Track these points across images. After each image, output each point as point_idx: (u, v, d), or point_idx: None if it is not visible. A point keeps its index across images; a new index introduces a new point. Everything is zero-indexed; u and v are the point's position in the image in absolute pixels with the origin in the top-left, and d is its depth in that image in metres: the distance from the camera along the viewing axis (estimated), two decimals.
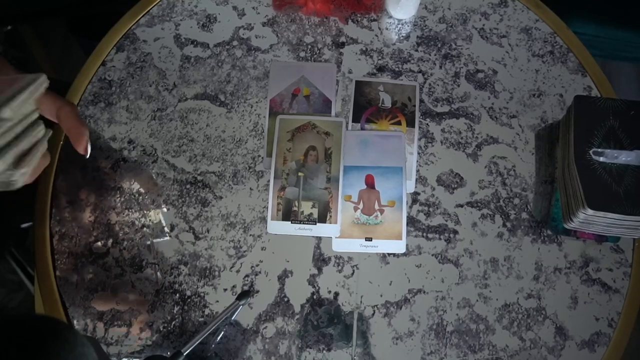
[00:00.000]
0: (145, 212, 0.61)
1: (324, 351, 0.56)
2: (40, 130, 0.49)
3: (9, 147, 0.46)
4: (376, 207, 0.61)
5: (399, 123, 0.65)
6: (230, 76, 0.68)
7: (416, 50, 0.70)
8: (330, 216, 0.60)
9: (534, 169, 0.64)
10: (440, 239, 0.61)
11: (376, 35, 0.71)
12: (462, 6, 0.73)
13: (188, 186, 0.62)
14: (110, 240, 0.60)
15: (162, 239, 0.60)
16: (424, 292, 0.58)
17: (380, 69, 0.68)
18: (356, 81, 0.67)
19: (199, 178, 0.63)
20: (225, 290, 0.58)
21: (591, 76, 0.69)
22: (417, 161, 0.64)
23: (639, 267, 0.60)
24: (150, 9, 0.71)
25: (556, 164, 0.64)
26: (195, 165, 0.63)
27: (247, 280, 0.59)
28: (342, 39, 0.70)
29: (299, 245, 0.60)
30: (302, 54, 0.69)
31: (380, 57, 0.69)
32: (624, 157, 0.56)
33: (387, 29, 0.71)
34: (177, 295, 0.58)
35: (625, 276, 0.60)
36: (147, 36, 0.70)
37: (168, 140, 0.64)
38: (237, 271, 0.59)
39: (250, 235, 0.60)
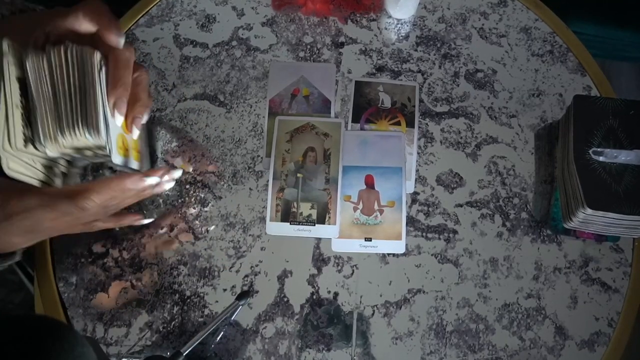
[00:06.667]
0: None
1: (324, 351, 0.56)
2: None
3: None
4: (376, 207, 0.61)
5: (398, 123, 0.65)
6: (230, 76, 0.68)
7: (415, 50, 0.70)
8: (329, 217, 0.60)
9: (533, 168, 0.64)
10: (439, 238, 0.61)
11: (375, 35, 0.71)
12: (461, 6, 0.73)
13: (187, 186, 0.62)
14: (110, 240, 0.60)
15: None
16: (424, 292, 0.58)
17: (380, 69, 0.68)
18: (356, 81, 0.67)
19: (199, 178, 0.63)
20: (224, 290, 0.58)
21: (591, 76, 0.69)
22: (417, 161, 0.64)
23: (638, 267, 0.60)
24: (150, 9, 0.71)
25: (556, 163, 0.64)
26: (195, 166, 0.63)
27: (247, 281, 0.59)
28: (342, 39, 0.70)
29: (299, 246, 0.60)
30: (302, 54, 0.69)
31: (379, 57, 0.69)
32: (624, 156, 0.56)
33: (386, 28, 0.71)
34: (177, 295, 0.58)
35: (625, 276, 0.60)
36: (146, 36, 0.70)
37: (167, 140, 0.64)
38: (237, 271, 0.59)
39: (250, 235, 0.60)
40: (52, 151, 0.46)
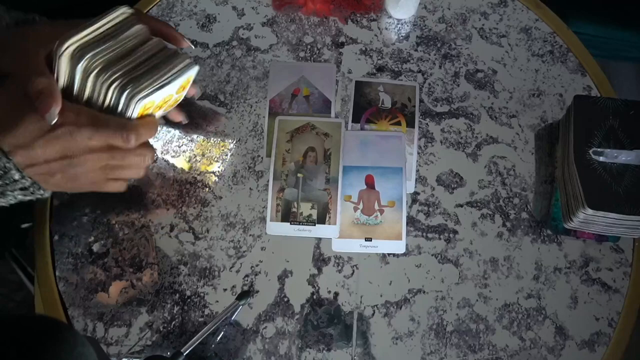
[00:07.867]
0: (145, 212, 0.61)
1: (324, 351, 0.56)
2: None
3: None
4: (376, 207, 0.61)
5: (398, 123, 0.65)
6: (230, 76, 0.68)
7: (416, 50, 0.70)
8: (330, 217, 0.60)
9: (533, 168, 0.64)
10: (440, 238, 0.61)
11: (376, 35, 0.71)
12: (461, 6, 0.73)
13: (188, 186, 0.62)
14: (110, 240, 0.60)
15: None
16: (424, 292, 0.58)
17: (380, 69, 0.68)
18: (356, 81, 0.67)
19: (199, 178, 0.63)
20: (225, 290, 0.58)
21: (591, 76, 0.69)
22: (417, 161, 0.64)
23: (639, 267, 0.60)
24: (150, 9, 0.71)
25: (556, 163, 0.64)
26: (195, 165, 0.63)
27: (247, 281, 0.59)
28: (342, 39, 0.70)
29: (299, 246, 0.60)
30: (302, 54, 0.69)
31: (379, 57, 0.69)
32: (624, 156, 0.56)
33: (386, 28, 0.71)
34: (177, 295, 0.58)
35: (625, 276, 0.60)
36: None
37: (168, 140, 0.64)
38: (237, 271, 0.59)
39: (250, 235, 0.60)
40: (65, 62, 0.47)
